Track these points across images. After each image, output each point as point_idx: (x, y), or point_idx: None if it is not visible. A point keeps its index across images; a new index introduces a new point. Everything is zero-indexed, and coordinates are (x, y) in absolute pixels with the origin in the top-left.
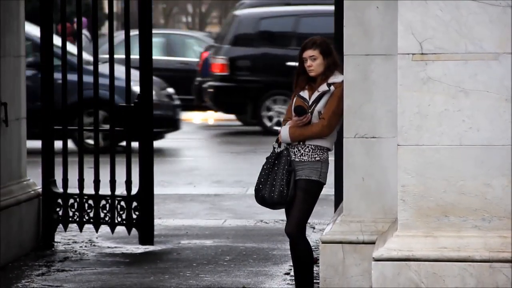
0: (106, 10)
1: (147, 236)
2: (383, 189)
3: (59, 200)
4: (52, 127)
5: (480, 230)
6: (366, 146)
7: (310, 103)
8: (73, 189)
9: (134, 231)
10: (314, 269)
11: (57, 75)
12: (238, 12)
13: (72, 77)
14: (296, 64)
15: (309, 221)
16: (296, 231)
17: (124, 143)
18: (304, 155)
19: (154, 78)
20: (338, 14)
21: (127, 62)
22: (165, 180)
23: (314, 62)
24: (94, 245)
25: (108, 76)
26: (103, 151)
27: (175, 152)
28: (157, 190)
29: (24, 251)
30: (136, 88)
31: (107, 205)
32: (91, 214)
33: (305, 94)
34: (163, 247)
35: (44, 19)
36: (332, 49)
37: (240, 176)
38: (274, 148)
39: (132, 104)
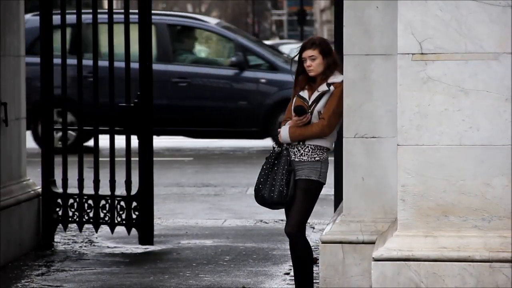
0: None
1: (147, 236)
2: (383, 189)
3: (59, 200)
4: (52, 127)
5: (480, 230)
6: (366, 146)
7: (310, 103)
8: (72, 189)
9: (134, 231)
10: (314, 269)
11: (257, 74)
12: None
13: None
14: None
15: (309, 221)
16: (296, 231)
17: None
18: (304, 155)
19: None
20: (338, 14)
21: (127, 62)
22: None
23: (313, 62)
24: (94, 245)
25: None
26: None
27: None
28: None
29: (24, 251)
30: None
31: (107, 205)
32: (91, 214)
33: (304, 94)
34: (162, 247)
35: (44, 18)
36: (332, 48)
37: None
38: (273, 148)
39: (132, 104)
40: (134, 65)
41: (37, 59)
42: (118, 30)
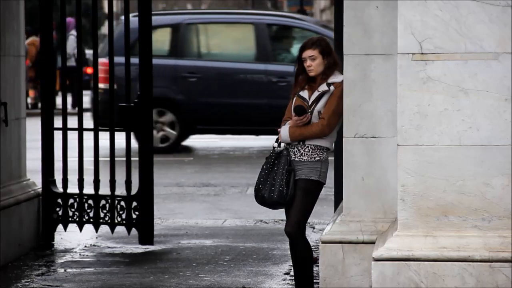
0: (106, 10)
1: (147, 236)
2: (383, 189)
3: (59, 200)
4: (52, 127)
5: (480, 230)
6: (366, 146)
7: (310, 103)
8: (73, 189)
9: (134, 231)
10: (314, 269)
11: None
12: None
13: None
14: None
15: (309, 221)
16: (296, 231)
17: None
18: (304, 155)
19: None
20: (338, 14)
21: (127, 62)
22: None
23: (313, 62)
24: (94, 245)
25: None
26: None
27: None
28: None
29: (24, 251)
30: None
31: (107, 205)
32: (91, 214)
33: (304, 93)
34: (163, 247)
35: (44, 19)
36: (332, 48)
37: None
38: (273, 148)
39: (132, 104)
40: (238, 65)
41: (136, 60)
42: (227, 30)
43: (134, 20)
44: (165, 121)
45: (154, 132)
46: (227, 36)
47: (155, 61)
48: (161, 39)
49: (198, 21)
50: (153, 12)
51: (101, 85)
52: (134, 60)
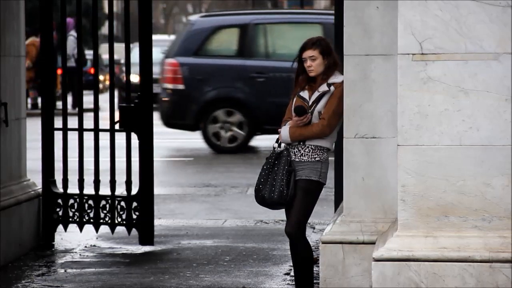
0: (106, 10)
1: (147, 236)
2: (383, 189)
3: (59, 200)
4: (52, 127)
5: (480, 230)
6: (366, 146)
7: (310, 103)
8: (73, 189)
9: (134, 231)
10: (314, 269)
11: None
12: None
13: None
14: None
15: (309, 221)
16: (296, 231)
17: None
18: (304, 155)
19: None
20: (338, 14)
21: (127, 62)
22: None
23: (313, 62)
24: (94, 245)
25: None
26: None
27: None
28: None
29: (24, 251)
30: None
31: (107, 205)
32: (91, 214)
33: (305, 94)
34: (163, 247)
35: (44, 19)
36: (332, 48)
37: None
38: (274, 148)
39: (132, 104)
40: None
41: (208, 60)
42: (295, 30)
43: (202, 20)
44: (233, 121)
45: (222, 132)
46: (295, 36)
47: (222, 61)
48: (228, 39)
49: (266, 21)
50: (220, 12)
51: (169, 86)
52: (204, 60)
